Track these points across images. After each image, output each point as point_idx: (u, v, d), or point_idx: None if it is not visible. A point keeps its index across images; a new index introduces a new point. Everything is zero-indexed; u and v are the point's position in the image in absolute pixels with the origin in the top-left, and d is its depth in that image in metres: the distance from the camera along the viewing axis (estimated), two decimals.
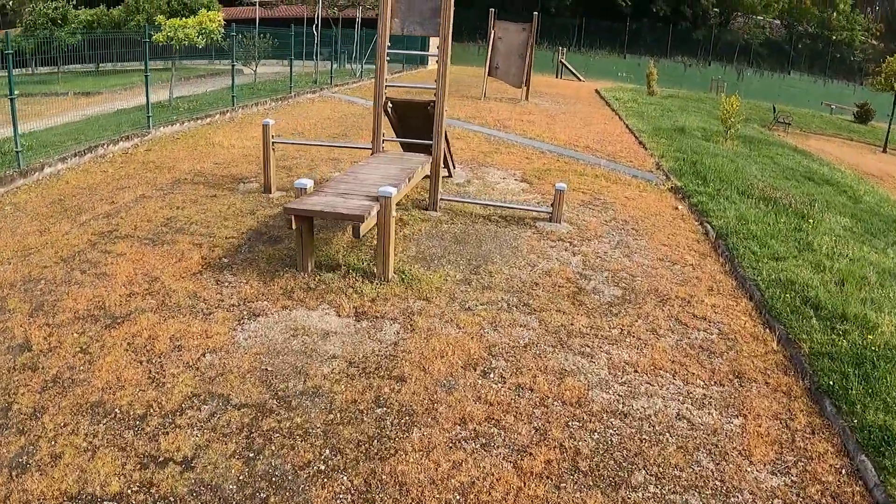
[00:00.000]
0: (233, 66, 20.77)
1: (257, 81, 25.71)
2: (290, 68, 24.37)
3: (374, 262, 8.11)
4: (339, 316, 7.12)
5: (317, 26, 30.23)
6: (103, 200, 11.17)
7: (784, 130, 29.62)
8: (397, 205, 10.28)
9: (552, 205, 10.34)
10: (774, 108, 33.52)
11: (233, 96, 20.21)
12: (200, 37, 18.79)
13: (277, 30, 28.21)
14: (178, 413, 5.59)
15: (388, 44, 10.53)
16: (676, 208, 11.92)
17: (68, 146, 14.18)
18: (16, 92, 12.42)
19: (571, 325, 7.12)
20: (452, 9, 9.83)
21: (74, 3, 36.35)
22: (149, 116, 16.07)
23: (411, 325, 6.93)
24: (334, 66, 29.62)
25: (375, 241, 8.05)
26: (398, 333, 6.78)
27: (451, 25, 9.86)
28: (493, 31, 26.30)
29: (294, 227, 7.69)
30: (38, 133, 15.94)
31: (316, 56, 30.11)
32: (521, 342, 6.72)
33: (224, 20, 20.80)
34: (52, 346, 6.70)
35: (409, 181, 9.27)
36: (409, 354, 6.38)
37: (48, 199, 11.34)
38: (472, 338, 6.72)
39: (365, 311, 7.23)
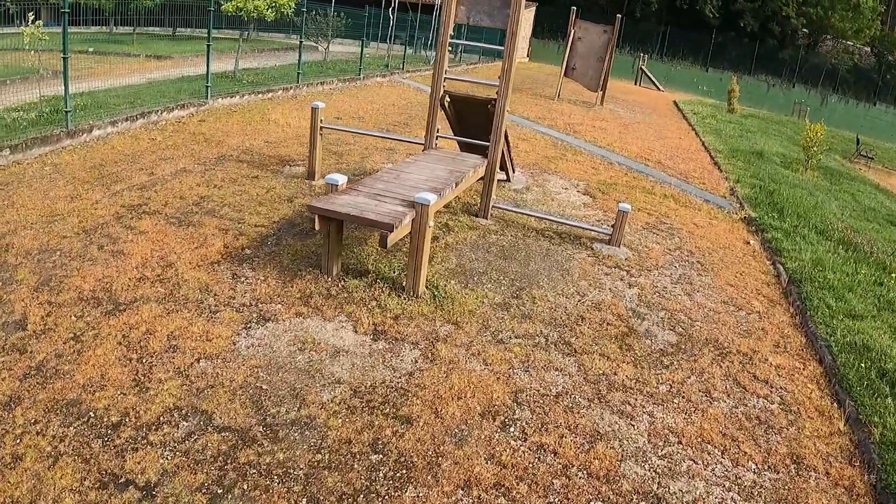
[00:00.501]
0: (300, 41, 20.24)
1: (328, 60, 25.22)
2: (361, 50, 23.78)
3: (406, 272, 7.36)
4: (356, 332, 6.38)
5: (394, 9, 29.63)
6: (143, 170, 10.72)
7: (866, 165, 27.91)
8: (445, 207, 9.56)
9: (613, 226, 9.45)
10: (858, 139, 31.59)
11: (298, 73, 19.70)
12: (270, 10, 18.34)
13: (353, 9, 27.68)
14: (153, 427, 4.96)
15: (451, 33, 9.75)
16: (748, 243, 10.89)
17: (122, 109, 13.83)
18: (70, 51, 12.04)
19: (614, 374, 6.23)
20: (523, 1, 8.99)
21: None
22: (207, 86, 15.66)
23: (432, 354, 6.14)
24: (408, 51, 28.94)
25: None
26: (416, 362, 6.00)
27: (520, 19, 9.03)
28: (573, 31, 25.32)
29: (318, 227, 6.98)
30: (98, 93, 15.68)
31: (390, 39, 29.50)
32: (554, 390, 5.86)
33: None
34: (46, 328, 6.21)
35: (455, 186, 8.46)
36: (422, 390, 5.59)
37: (89, 163, 10.94)
38: (498, 378, 5.89)
39: (385, 329, 6.48)
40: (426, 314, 6.82)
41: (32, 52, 13.11)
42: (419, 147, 10.82)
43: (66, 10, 11.74)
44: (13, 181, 9.94)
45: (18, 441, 4.83)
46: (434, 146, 10.26)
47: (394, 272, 7.62)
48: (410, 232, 6.97)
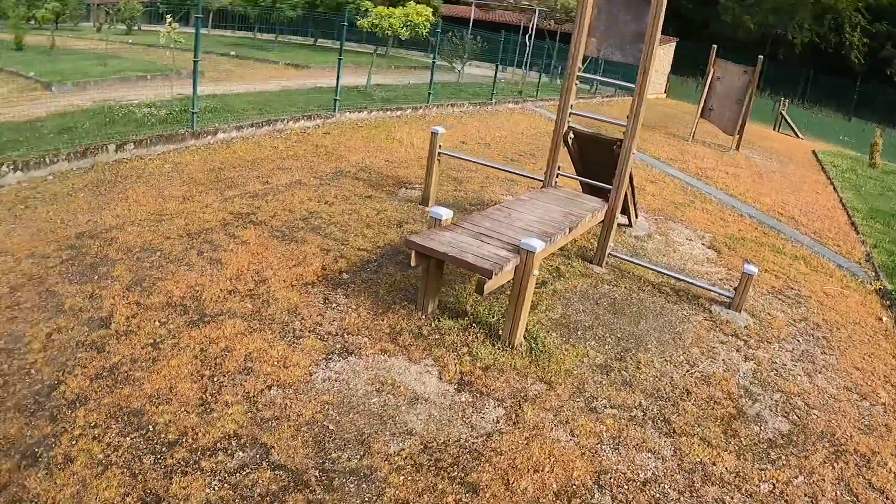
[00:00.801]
0: (433, 61, 20.20)
1: (461, 82, 25.14)
2: (495, 74, 23.56)
3: (504, 319, 6.87)
4: (440, 379, 5.96)
5: (530, 36, 29.30)
6: (258, 178, 10.75)
7: None
8: (560, 249, 9.07)
9: (735, 289, 8.71)
10: None
11: (429, 93, 19.65)
12: (405, 28, 18.36)
13: (490, 33, 27.57)
14: (208, 453, 4.74)
15: (579, 65, 9.27)
16: (881, 319, 9.85)
17: (249, 115, 14.04)
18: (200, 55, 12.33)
19: (713, 464, 5.53)
20: (658, 36, 8.39)
21: None
22: (336, 100, 15.76)
23: (517, 416, 5.62)
24: (544, 79, 28.54)
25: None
26: (497, 422, 5.50)
27: (654, 56, 8.46)
28: (712, 70, 24.32)
29: (414, 264, 6.59)
30: (229, 96, 16.05)
31: (525, 66, 29.20)
32: (642, 475, 5.23)
33: (442, 16, 20.37)
34: (129, 330, 6.17)
35: (569, 232, 7.94)
36: (497, 456, 5.09)
37: (208, 166, 11.08)
38: (582, 453, 5.32)
39: (472, 380, 6.01)
40: (518, 368, 6.31)
41: (168, 51, 13.54)
42: (539, 184, 10.36)
43: (199, 16, 12.01)
44: (132, 175, 10.13)
45: (74, 443, 4.75)
46: (553, 184, 9.81)
47: (492, 317, 7.17)
48: (512, 279, 6.50)
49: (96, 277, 7.01)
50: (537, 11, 30.52)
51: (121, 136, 11.08)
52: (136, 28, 31.72)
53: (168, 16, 12.79)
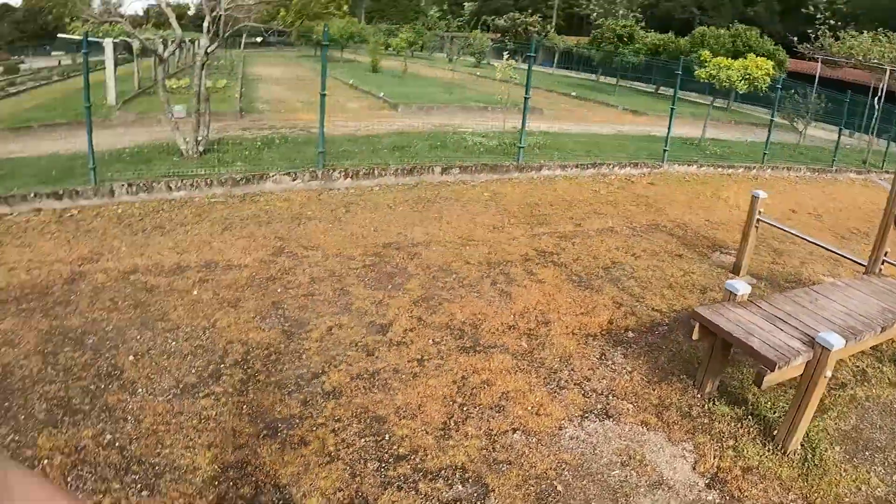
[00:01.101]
0: (771, 119, 18.99)
1: (801, 144, 23.34)
2: (837, 139, 21.53)
3: (783, 419, 6.06)
4: (693, 469, 5.39)
5: (880, 97, 26.24)
6: (571, 220, 10.80)
7: None
8: (872, 349, 7.96)
9: None
10: None
11: (764, 153, 18.50)
12: (743, 82, 17.44)
13: (836, 93, 25.16)
14: (429, 477, 4.76)
15: None
16: None
17: (575, 155, 14.22)
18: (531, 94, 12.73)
19: None
20: None
21: (643, 24, 37.36)
22: (665, 150, 15.40)
23: None
24: (893, 148, 25.49)
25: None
26: None
27: None
28: None
29: (695, 337, 6.09)
30: (562, 135, 16.36)
31: (871, 132, 26.23)
32: None
33: (788, 71, 19.10)
34: (402, 341, 6.49)
35: (882, 331, 6.80)
36: None
37: (525, 200, 11.36)
38: None
39: (727, 479, 5.33)
40: (783, 479, 5.48)
41: (507, 85, 14.15)
42: (862, 269, 9.18)
43: (532, 55, 12.46)
44: (451, 198, 10.65)
45: (314, 429, 5.07)
46: (878, 272, 8.61)
47: (773, 413, 6.37)
48: (801, 376, 5.74)
49: (390, 287, 7.43)
50: (888, 71, 27.25)
51: (448, 161, 11.74)
52: (484, 62, 33.74)
53: (506, 52, 13.43)
